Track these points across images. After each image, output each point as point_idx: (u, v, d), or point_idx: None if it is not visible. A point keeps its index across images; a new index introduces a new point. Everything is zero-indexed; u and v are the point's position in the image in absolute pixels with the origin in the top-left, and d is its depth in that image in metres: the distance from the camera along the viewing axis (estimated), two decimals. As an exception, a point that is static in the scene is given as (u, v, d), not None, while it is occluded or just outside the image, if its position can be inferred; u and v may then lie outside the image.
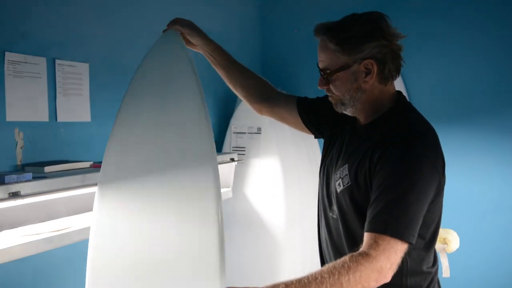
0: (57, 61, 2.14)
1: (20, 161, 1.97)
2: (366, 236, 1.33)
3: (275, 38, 3.84)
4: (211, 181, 1.59)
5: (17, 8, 1.98)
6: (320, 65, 1.51)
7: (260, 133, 3.21)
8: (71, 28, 2.22)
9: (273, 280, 1.28)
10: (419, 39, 3.27)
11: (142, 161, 1.65)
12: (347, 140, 1.56)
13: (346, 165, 1.49)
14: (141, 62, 1.68)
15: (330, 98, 1.55)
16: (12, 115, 1.94)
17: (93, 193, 1.67)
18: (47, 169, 1.92)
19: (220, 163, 2.63)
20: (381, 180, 1.37)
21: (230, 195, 3.04)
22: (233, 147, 3.27)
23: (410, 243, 1.33)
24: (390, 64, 1.46)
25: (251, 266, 3.15)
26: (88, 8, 2.31)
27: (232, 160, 3.00)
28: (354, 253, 1.30)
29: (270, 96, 1.84)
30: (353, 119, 1.59)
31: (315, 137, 1.81)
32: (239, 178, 3.17)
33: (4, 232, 1.86)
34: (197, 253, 1.57)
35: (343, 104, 1.51)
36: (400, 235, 1.31)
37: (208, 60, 1.81)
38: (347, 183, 1.46)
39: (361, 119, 1.55)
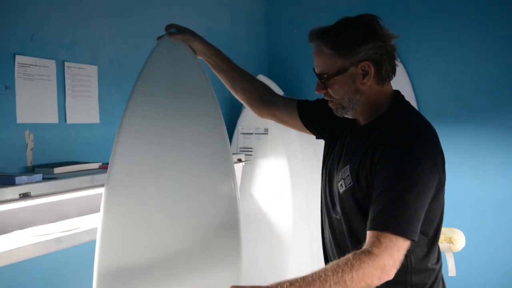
0: (66, 64, 2.17)
1: (31, 163, 2.01)
2: (369, 234, 1.34)
3: (281, 38, 3.84)
4: (226, 183, 1.61)
5: (27, 12, 2.01)
6: (317, 70, 1.51)
7: (267, 133, 3.22)
8: (80, 31, 2.25)
9: (280, 280, 1.29)
10: (425, 38, 3.29)
11: (152, 162, 1.66)
12: (348, 141, 1.58)
13: (348, 166, 1.50)
14: (145, 63, 1.70)
15: (330, 104, 1.56)
16: (22, 117, 1.97)
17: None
18: (57, 170, 1.95)
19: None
20: (381, 180, 1.38)
21: (238, 195, 3.05)
22: (240, 148, 3.28)
23: (412, 240, 1.34)
24: (387, 65, 1.47)
25: (258, 265, 3.16)
26: (96, 11, 2.34)
27: (240, 160, 3.02)
28: (357, 251, 1.32)
29: (271, 99, 1.86)
30: (353, 120, 1.60)
31: (317, 138, 1.83)
32: (246, 178, 3.19)
33: (15, 232, 1.89)
34: (211, 259, 1.58)
35: (343, 108, 1.52)
36: (402, 232, 1.32)
37: (209, 65, 1.83)
38: (349, 183, 1.48)
39: (361, 120, 1.56)
